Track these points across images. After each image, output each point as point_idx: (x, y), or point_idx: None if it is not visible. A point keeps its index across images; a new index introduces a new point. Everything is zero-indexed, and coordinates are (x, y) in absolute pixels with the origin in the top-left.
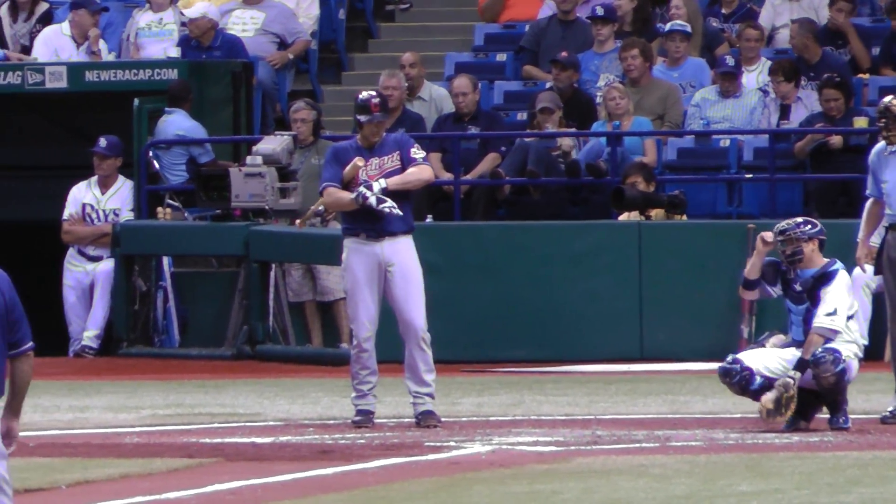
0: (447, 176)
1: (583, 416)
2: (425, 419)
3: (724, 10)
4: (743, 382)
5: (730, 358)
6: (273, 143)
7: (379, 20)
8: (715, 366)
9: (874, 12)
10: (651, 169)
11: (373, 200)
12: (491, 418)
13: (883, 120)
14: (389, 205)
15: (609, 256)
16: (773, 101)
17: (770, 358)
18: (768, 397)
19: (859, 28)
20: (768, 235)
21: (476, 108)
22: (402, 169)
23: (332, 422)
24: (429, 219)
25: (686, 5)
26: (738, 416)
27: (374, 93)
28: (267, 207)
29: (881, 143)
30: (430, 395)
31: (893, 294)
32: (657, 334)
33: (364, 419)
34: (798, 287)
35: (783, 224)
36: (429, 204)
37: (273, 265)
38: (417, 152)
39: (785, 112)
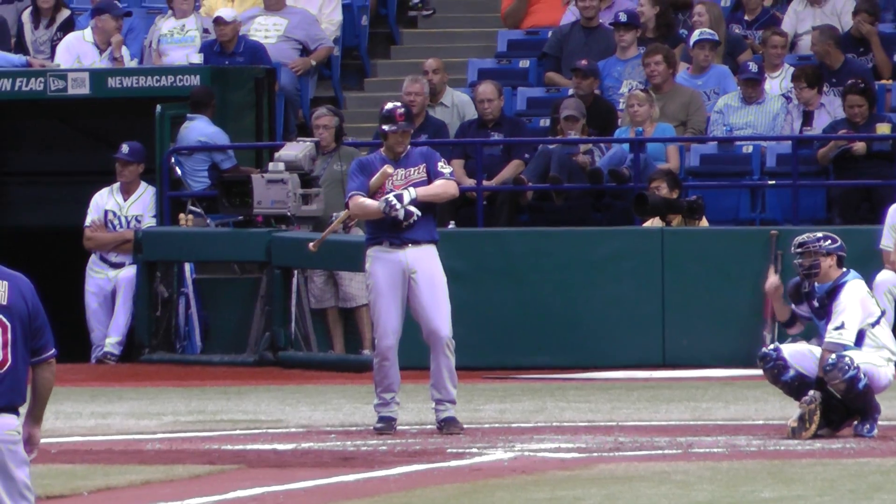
0: (470, 182)
1: (605, 423)
2: (448, 426)
3: (747, 17)
4: (776, 371)
5: (773, 345)
6: (295, 150)
7: (402, 26)
8: (738, 372)
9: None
10: (676, 175)
11: (401, 213)
12: (513, 425)
13: None
14: (416, 216)
15: (632, 262)
16: (795, 108)
17: (808, 359)
18: (793, 417)
19: (882, 35)
20: (771, 283)
21: (500, 115)
22: (429, 181)
23: (354, 428)
24: (451, 225)
25: (709, 12)
26: (761, 422)
27: (398, 103)
28: (289, 214)
29: None
30: (452, 402)
31: None
32: (680, 340)
33: (386, 426)
34: (816, 303)
35: (802, 237)
36: (452, 210)
37: (295, 271)
38: (444, 167)
39: (808, 118)
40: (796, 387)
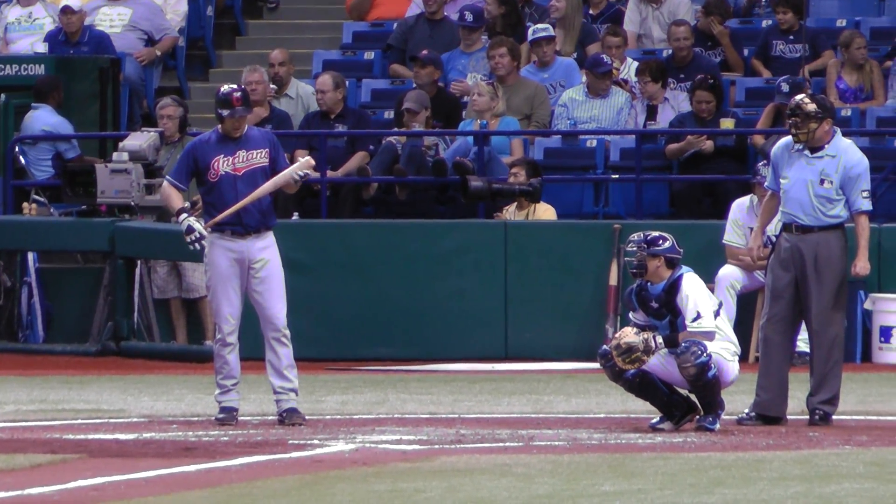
0: (314, 174)
1: (447, 415)
2: (290, 417)
3: (591, 11)
4: (617, 368)
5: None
6: (139, 140)
7: (247, 17)
8: (580, 365)
9: (744, 13)
10: (534, 164)
11: (196, 247)
12: (355, 416)
13: (793, 118)
14: (195, 239)
15: (475, 255)
16: (639, 102)
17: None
18: (630, 338)
19: (729, 30)
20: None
21: (343, 106)
22: (271, 169)
23: (196, 419)
24: (295, 216)
25: (568, 1)
26: (602, 415)
27: (235, 86)
28: (133, 204)
29: (788, 139)
30: (294, 391)
31: (774, 293)
32: (522, 333)
33: (228, 416)
34: (654, 304)
35: (634, 236)
36: (296, 201)
37: (139, 261)
38: (285, 159)
39: (652, 113)
40: (637, 384)
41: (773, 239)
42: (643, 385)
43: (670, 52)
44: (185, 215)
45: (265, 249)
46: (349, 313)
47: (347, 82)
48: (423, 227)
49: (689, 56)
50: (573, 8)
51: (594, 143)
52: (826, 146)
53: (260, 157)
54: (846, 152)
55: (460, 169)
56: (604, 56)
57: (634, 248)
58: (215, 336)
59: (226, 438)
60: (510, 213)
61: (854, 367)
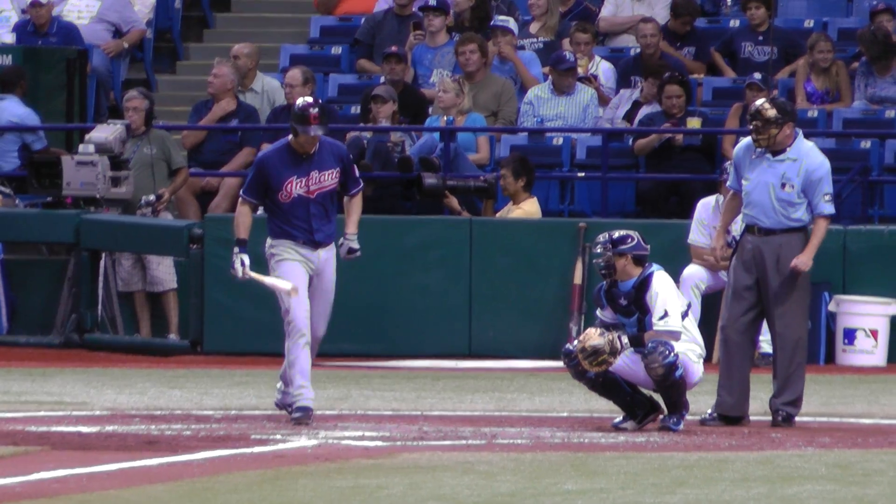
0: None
1: (410, 412)
2: (304, 414)
3: (561, 8)
4: (581, 368)
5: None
6: (106, 132)
7: (215, 10)
8: (543, 364)
9: (709, 13)
10: (524, 165)
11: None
12: (318, 412)
13: (755, 122)
14: (237, 275)
15: (440, 252)
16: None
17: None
18: (596, 340)
19: (698, 29)
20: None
21: None
22: (343, 186)
23: (158, 412)
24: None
25: None
26: (565, 414)
27: (310, 100)
28: (98, 196)
29: (749, 140)
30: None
31: (735, 294)
32: (486, 331)
33: (304, 415)
34: (623, 301)
35: (601, 237)
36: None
37: (104, 254)
38: (356, 171)
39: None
40: (600, 383)
41: (738, 238)
42: (606, 384)
43: (638, 50)
44: (238, 249)
45: (328, 262)
46: None
47: (315, 77)
48: (389, 223)
49: (657, 54)
50: (553, 2)
51: (560, 140)
52: (788, 149)
53: (331, 178)
54: (808, 156)
55: (426, 165)
56: (565, 53)
57: (601, 250)
58: (290, 335)
59: (188, 433)
60: (506, 209)
61: (818, 369)
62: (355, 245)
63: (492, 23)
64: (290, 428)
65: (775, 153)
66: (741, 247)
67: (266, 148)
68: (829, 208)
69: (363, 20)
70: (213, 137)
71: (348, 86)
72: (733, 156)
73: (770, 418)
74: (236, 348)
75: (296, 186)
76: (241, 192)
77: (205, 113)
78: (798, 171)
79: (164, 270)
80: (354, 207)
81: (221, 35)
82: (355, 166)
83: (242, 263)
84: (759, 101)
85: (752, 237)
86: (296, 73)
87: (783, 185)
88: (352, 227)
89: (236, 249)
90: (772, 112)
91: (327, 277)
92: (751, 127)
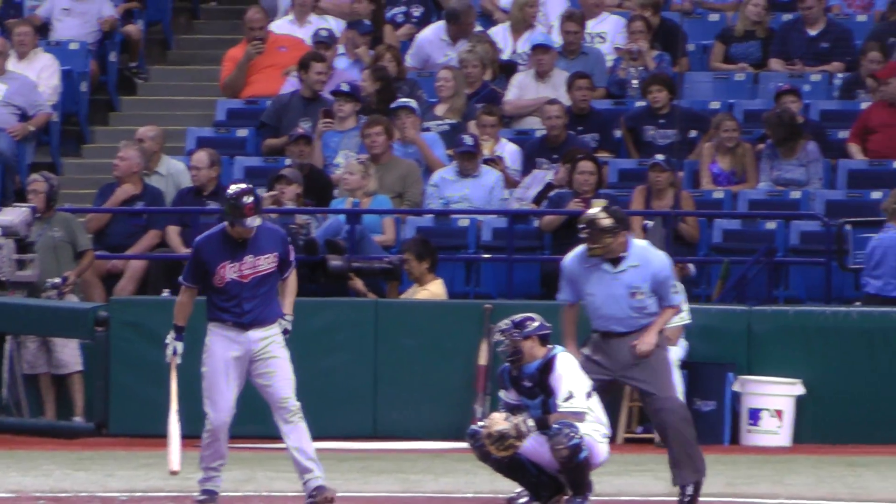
0: (186, 251)
1: None
2: (320, 494)
3: (467, 90)
4: (486, 450)
5: (481, 423)
6: (12, 215)
7: (121, 93)
8: (449, 445)
9: (615, 94)
10: (426, 247)
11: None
12: (222, 494)
13: (587, 231)
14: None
15: (345, 334)
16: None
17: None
18: (501, 425)
19: (601, 111)
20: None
21: (217, 184)
22: (279, 269)
23: (63, 494)
24: (166, 293)
25: (455, 77)
26: (471, 495)
27: (245, 187)
28: (4, 279)
29: (579, 250)
30: (318, 467)
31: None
32: (391, 412)
33: (209, 499)
34: (527, 383)
35: (502, 324)
36: (165, 279)
37: (9, 337)
38: (292, 254)
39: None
40: (506, 464)
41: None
42: (511, 466)
43: (544, 132)
44: (173, 336)
45: (270, 341)
46: None
47: (221, 159)
48: (294, 306)
49: (563, 136)
50: (461, 84)
51: (466, 222)
52: (625, 256)
53: (269, 263)
54: (650, 260)
55: (332, 248)
56: (464, 137)
57: (504, 338)
58: (205, 427)
59: None
60: (412, 291)
61: (722, 450)
62: (290, 327)
63: (393, 104)
64: None
65: (614, 262)
66: (592, 346)
67: (204, 233)
68: (676, 299)
69: (269, 103)
70: (119, 220)
71: (254, 168)
72: (564, 269)
73: (678, 498)
74: (142, 430)
75: (229, 271)
76: (180, 278)
77: (110, 195)
78: (645, 277)
79: (69, 353)
80: (289, 289)
81: (127, 118)
82: (292, 249)
83: (175, 352)
84: (593, 210)
85: (603, 340)
86: (202, 156)
87: (633, 294)
88: (287, 309)
89: (172, 335)
90: (607, 221)
91: (272, 355)
92: (583, 235)
